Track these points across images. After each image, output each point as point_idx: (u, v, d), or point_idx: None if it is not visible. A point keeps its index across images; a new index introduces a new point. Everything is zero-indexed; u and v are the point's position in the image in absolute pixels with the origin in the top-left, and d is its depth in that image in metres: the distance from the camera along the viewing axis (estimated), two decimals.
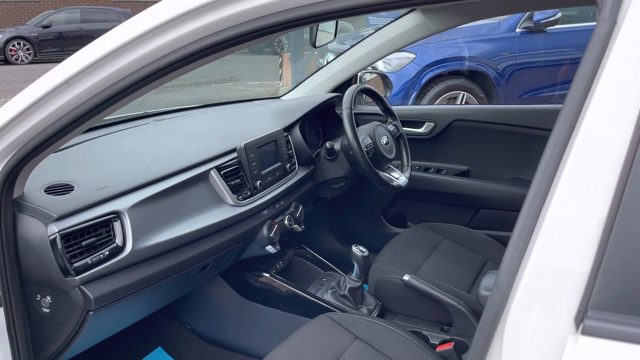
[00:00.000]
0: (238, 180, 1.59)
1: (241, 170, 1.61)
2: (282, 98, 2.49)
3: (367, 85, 2.01)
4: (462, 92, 5.28)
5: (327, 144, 1.95)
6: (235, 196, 1.56)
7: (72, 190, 1.24)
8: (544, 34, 5.50)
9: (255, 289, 1.80)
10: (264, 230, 1.68)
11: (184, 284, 1.55)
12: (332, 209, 2.51)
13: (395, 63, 5.18)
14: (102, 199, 1.25)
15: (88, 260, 1.17)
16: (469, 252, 2.01)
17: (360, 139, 1.84)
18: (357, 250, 1.68)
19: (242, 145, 1.61)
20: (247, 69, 11.20)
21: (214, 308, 1.81)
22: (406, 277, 1.71)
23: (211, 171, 1.52)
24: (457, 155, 2.33)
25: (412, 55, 5.19)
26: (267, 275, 1.77)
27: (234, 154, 1.62)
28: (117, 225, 1.24)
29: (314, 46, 1.94)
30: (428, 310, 1.73)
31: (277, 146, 1.78)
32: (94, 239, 1.19)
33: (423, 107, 2.43)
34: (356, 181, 2.09)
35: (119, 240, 1.23)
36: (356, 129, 1.83)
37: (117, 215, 1.25)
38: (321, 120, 2.24)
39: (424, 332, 1.67)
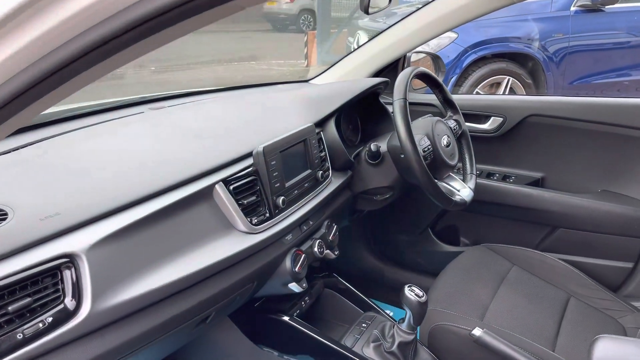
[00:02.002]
0: (254, 198, 1.16)
1: (258, 183, 1.18)
2: (311, 82, 2.04)
3: (424, 69, 1.55)
4: (507, 77, 4.76)
5: (372, 145, 1.51)
6: (249, 219, 1.13)
7: (3, 219, 0.83)
8: (601, 13, 4.92)
9: (272, 334, 1.38)
10: (287, 263, 1.25)
11: (176, 342, 1.14)
12: (368, 219, 2.07)
13: (433, 43, 4.68)
14: (47, 235, 0.83)
15: (18, 333, 0.76)
16: (546, 286, 1.57)
17: (416, 140, 1.39)
18: (411, 293, 1.24)
19: (261, 148, 1.18)
20: (270, 46, 10.72)
21: (218, 355, 1.40)
22: (477, 332, 1.27)
23: (216, 186, 1.09)
24: (531, 159, 1.86)
25: (454, 35, 4.69)
26: (287, 319, 1.35)
27: (249, 161, 1.19)
28: (67, 275, 0.82)
29: (366, 12, 1.47)
30: None
31: (307, 148, 1.35)
32: (28, 299, 0.78)
33: (489, 98, 1.97)
34: (405, 192, 1.65)
35: (68, 300, 0.81)
36: (411, 125, 1.39)
37: (69, 259, 0.83)
38: (361, 112, 1.79)
39: None
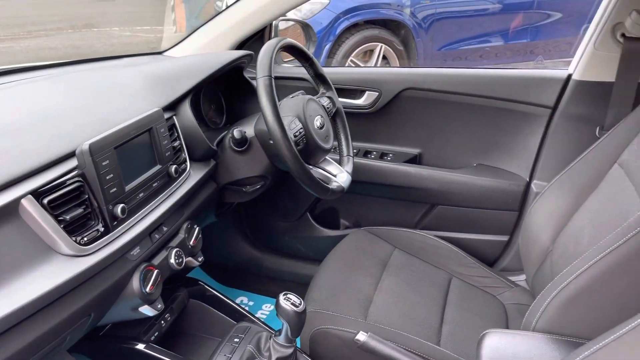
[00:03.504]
0: (80, 210, 0.90)
1: (86, 191, 0.92)
2: (166, 54, 1.76)
3: (291, 41, 1.36)
4: (380, 45, 4.75)
5: (235, 132, 1.30)
6: (76, 239, 0.88)
7: None
8: None
9: None
10: (135, 283, 1.02)
11: None
12: (242, 206, 1.88)
13: (306, 8, 4.51)
14: None
15: None
16: (428, 268, 1.51)
17: (285, 124, 1.21)
18: (287, 302, 1.07)
19: (86, 146, 0.92)
20: (136, 11, 9.84)
21: None
22: (362, 337, 1.15)
23: (22, 201, 0.83)
24: (408, 135, 1.77)
25: (326, 1, 4.55)
26: (142, 347, 1.13)
27: (73, 163, 0.93)
28: None
29: None
30: None
31: (154, 138, 1.11)
32: None
33: (363, 71, 1.83)
34: (278, 178, 1.47)
35: None
36: (279, 107, 1.20)
37: None
38: (224, 90, 1.56)
39: None
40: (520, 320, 1.36)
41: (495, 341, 1.00)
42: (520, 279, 1.60)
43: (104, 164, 0.94)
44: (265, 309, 1.91)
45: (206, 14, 6.62)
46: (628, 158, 1.19)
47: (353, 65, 4.59)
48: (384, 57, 4.76)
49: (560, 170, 1.34)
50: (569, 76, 1.54)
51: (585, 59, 1.50)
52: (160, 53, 1.76)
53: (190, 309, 1.34)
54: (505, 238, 1.70)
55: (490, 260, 1.72)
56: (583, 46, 1.51)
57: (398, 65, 4.74)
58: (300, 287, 1.56)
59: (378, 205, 1.82)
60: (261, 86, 1.19)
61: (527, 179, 1.64)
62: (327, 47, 4.52)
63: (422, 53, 4.96)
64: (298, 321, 1.09)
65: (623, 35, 1.42)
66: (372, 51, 4.71)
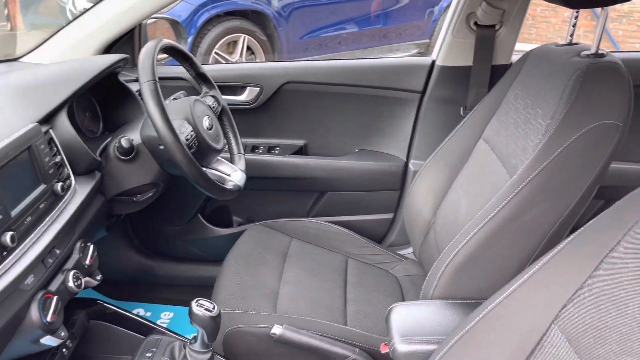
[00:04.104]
0: None
1: None
2: (22, 60, 1.61)
3: (170, 42, 1.32)
4: (243, 35, 4.73)
5: (123, 141, 1.24)
6: None
7: None
8: None
9: None
10: (33, 314, 0.94)
11: None
12: (127, 216, 1.79)
13: None
14: None
15: None
16: (325, 253, 1.58)
17: (175, 128, 1.18)
18: (200, 308, 1.07)
19: None
20: None
21: None
22: (277, 330, 1.19)
23: None
24: (292, 127, 1.82)
25: None
26: None
27: None
28: None
29: None
30: None
31: (35, 156, 1.02)
32: None
33: (243, 67, 1.84)
34: (169, 184, 1.43)
35: None
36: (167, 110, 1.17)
37: None
38: (98, 96, 1.47)
39: None
40: (414, 290, 1.49)
41: (402, 313, 1.09)
42: (408, 251, 1.74)
43: None
44: (165, 317, 1.85)
45: (46, 10, 6.03)
46: (490, 133, 1.35)
47: (218, 58, 4.53)
48: (248, 48, 4.75)
49: (434, 149, 1.47)
50: (433, 62, 1.69)
51: (446, 46, 1.65)
52: (15, 59, 1.60)
53: (92, 331, 1.27)
54: (390, 216, 1.83)
55: (379, 237, 1.84)
56: (443, 34, 1.67)
57: (263, 56, 4.77)
58: (202, 290, 1.55)
59: (269, 198, 1.85)
60: (147, 91, 1.15)
61: (405, 160, 1.78)
62: (189, 40, 4.40)
63: (285, 42, 5.02)
64: (214, 326, 1.09)
65: (476, 23, 1.59)
66: (235, 42, 4.68)
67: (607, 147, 1.00)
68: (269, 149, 1.82)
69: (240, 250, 1.53)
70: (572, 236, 0.77)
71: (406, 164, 1.77)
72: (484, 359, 0.80)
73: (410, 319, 1.07)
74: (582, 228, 0.76)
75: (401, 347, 1.00)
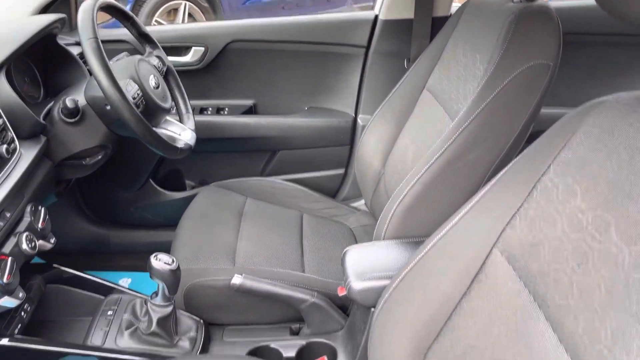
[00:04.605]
0: None
1: None
2: None
3: (109, 0, 1.29)
4: (184, 2, 4.60)
5: (67, 101, 1.21)
6: None
7: None
8: None
9: None
10: None
11: None
12: (77, 184, 1.76)
13: None
14: None
15: None
16: (280, 210, 1.61)
17: (122, 87, 1.17)
18: (159, 262, 1.08)
19: None
20: None
21: None
22: (237, 280, 1.22)
23: None
24: (240, 87, 1.82)
25: None
26: (7, 341, 1.05)
27: None
28: None
29: None
30: (267, 311, 1.29)
31: None
32: None
33: (187, 27, 1.81)
34: (119, 148, 1.42)
35: None
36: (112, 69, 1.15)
37: None
38: (36, 60, 1.42)
39: (273, 345, 1.23)
40: (367, 238, 1.55)
41: (356, 254, 1.14)
42: (360, 204, 1.79)
43: None
44: (123, 283, 1.85)
45: None
46: (433, 83, 1.40)
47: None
48: (190, 15, 4.63)
49: (380, 102, 1.52)
50: (376, 17, 1.72)
51: (387, 0, 1.68)
52: None
53: (50, 294, 1.26)
54: (341, 171, 1.87)
55: (332, 193, 1.89)
56: None
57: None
58: None
59: (221, 160, 1.85)
60: (89, 50, 1.13)
61: (354, 115, 1.82)
62: (128, 7, 4.25)
63: (227, 8, 4.92)
64: (174, 279, 1.11)
65: None
66: (176, 10, 4.55)
67: (539, 87, 1.07)
68: (218, 110, 1.82)
69: (195, 210, 1.54)
70: (508, 165, 0.82)
71: (355, 119, 1.81)
72: (433, 285, 0.86)
73: (364, 259, 1.12)
74: (517, 157, 0.82)
75: (356, 284, 1.05)
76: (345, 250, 1.17)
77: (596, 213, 0.64)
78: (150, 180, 1.82)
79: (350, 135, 1.82)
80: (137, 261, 1.85)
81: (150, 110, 1.30)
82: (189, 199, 1.63)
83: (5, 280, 0.95)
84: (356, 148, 1.67)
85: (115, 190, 1.82)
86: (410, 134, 1.42)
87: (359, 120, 1.80)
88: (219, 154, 1.84)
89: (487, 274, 0.79)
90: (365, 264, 1.10)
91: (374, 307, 0.94)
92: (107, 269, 1.91)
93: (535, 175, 0.76)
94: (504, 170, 0.82)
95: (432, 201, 1.14)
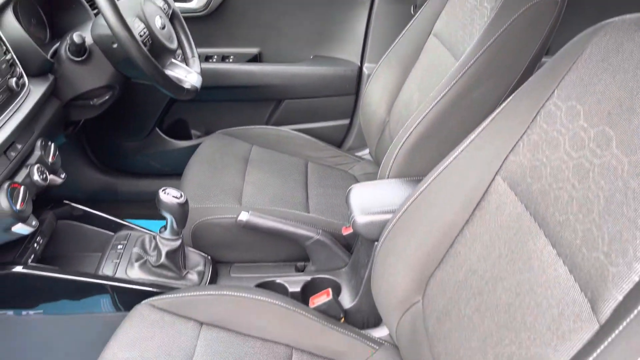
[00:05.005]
0: None
1: None
2: None
3: None
4: None
5: (75, 36, 1.22)
6: None
7: None
8: None
9: (4, 293, 1.10)
10: (2, 202, 0.96)
11: None
12: (83, 131, 1.77)
13: None
14: None
15: None
16: (285, 157, 1.63)
17: (129, 24, 1.17)
18: (168, 196, 1.11)
19: None
20: None
21: None
22: (244, 217, 1.24)
23: None
24: (245, 35, 1.81)
25: None
26: (21, 269, 1.08)
27: None
28: None
29: None
30: (273, 249, 1.32)
31: None
32: None
33: None
34: (126, 88, 1.43)
35: None
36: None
37: None
38: (41, 2, 1.42)
39: (278, 280, 1.26)
40: None
41: (360, 191, 1.16)
42: (365, 153, 1.80)
43: None
44: None
45: None
46: (440, 28, 1.39)
47: None
48: None
49: (386, 50, 1.51)
50: None
51: None
52: None
53: (61, 230, 1.29)
54: (347, 121, 1.88)
55: (337, 143, 1.90)
56: None
57: None
58: None
59: (227, 109, 1.86)
60: None
61: (359, 64, 1.81)
62: None
63: None
64: (182, 212, 1.13)
65: None
66: None
67: (546, 23, 1.06)
68: (223, 58, 1.82)
69: (202, 156, 1.55)
70: (513, 94, 0.83)
71: (360, 68, 1.81)
72: (436, 214, 0.88)
73: (368, 195, 1.14)
74: (522, 86, 0.83)
75: (360, 218, 1.07)
76: (350, 188, 1.19)
77: (598, 129, 0.65)
78: (157, 128, 1.84)
79: (355, 84, 1.81)
80: (143, 210, 1.88)
81: (157, 50, 1.30)
82: (195, 148, 1.64)
83: (19, 207, 0.97)
84: (361, 97, 1.67)
85: (122, 138, 1.83)
86: (415, 80, 1.42)
87: (364, 69, 1.79)
88: (225, 103, 1.85)
89: (489, 200, 0.81)
90: (370, 199, 1.12)
91: (377, 241, 0.96)
92: (115, 217, 1.94)
93: (539, 102, 0.76)
94: (507, 100, 0.83)
95: (437, 139, 1.15)
